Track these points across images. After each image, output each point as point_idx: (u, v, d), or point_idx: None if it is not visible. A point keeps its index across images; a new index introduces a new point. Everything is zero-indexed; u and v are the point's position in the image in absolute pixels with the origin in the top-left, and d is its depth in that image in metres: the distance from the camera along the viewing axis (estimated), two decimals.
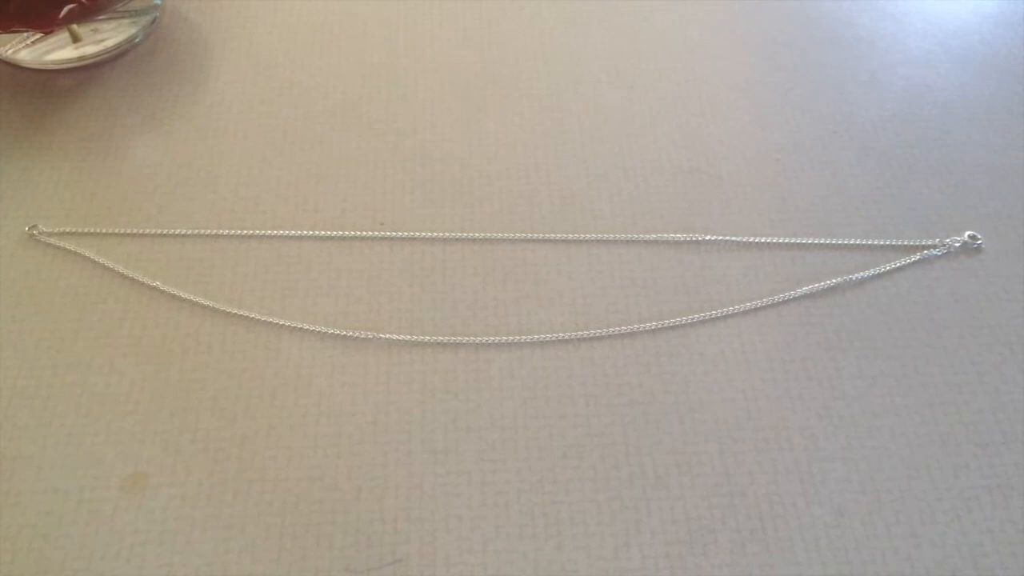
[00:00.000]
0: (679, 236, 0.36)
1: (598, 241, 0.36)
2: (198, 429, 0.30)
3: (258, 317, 0.33)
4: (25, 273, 0.35)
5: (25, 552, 0.28)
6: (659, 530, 0.28)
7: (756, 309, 0.34)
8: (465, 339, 0.33)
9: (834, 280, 0.34)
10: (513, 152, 0.39)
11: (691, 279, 0.35)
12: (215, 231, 0.36)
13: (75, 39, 0.42)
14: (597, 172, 0.38)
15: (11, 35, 0.41)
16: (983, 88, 0.42)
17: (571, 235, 0.36)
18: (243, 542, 0.28)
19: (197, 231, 0.36)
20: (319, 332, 0.33)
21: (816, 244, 0.36)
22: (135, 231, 0.36)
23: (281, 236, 0.36)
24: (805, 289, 0.34)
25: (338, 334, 0.33)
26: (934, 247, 0.36)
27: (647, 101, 0.41)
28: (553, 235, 0.36)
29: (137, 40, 0.43)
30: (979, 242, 0.36)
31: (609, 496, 0.29)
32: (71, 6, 0.39)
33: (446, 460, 0.30)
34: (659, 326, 0.33)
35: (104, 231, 0.36)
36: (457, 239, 0.36)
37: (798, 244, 0.36)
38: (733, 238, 0.36)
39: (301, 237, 0.36)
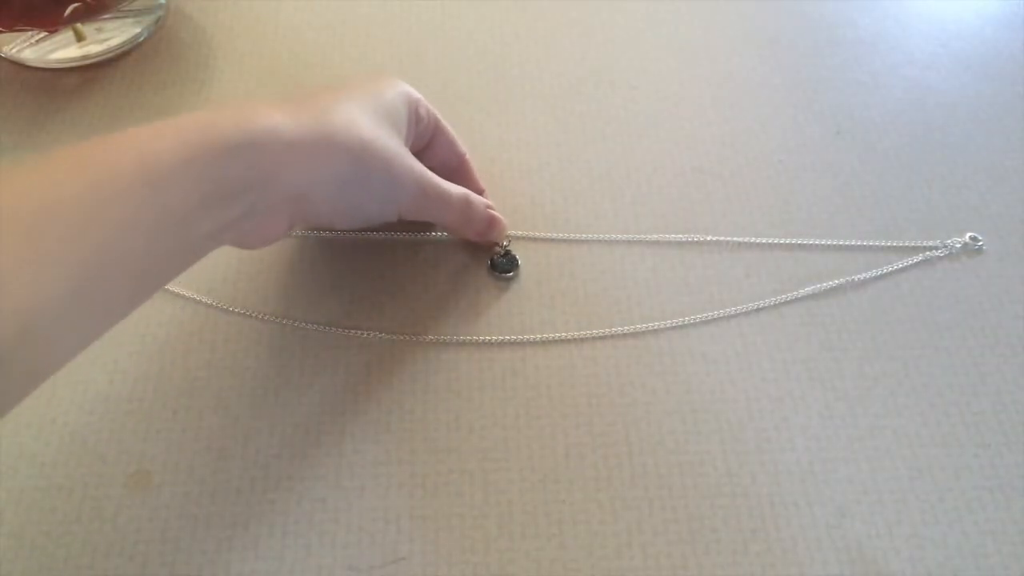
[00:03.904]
0: (681, 236, 0.36)
1: (601, 241, 0.36)
2: (201, 427, 0.30)
3: (261, 316, 0.33)
4: None
5: (29, 549, 0.28)
6: (661, 529, 0.28)
7: (758, 309, 0.34)
8: (468, 338, 0.33)
9: (836, 281, 0.35)
10: (516, 152, 0.39)
11: (693, 279, 0.35)
12: None
13: (79, 38, 0.42)
14: (600, 172, 0.38)
15: (15, 34, 0.41)
16: (985, 90, 0.42)
17: (574, 235, 0.36)
18: (246, 540, 0.28)
19: None
20: (322, 331, 0.33)
21: (818, 245, 0.36)
22: None
23: (284, 236, 0.36)
24: (807, 290, 0.34)
25: (342, 333, 0.33)
26: (936, 248, 0.36)
27: (649, 102, 0.41)
28: (556, 235, 0.36)
29: (141, 39, 0.43)
30: (980, 243, 0.36)
31: (611, 495, 0.29)
32: (76, 5, 0.39)
33: (448, 459, 0.30)
34: (661, 326, 0.33)
35: None
36: (460, 238, 0.36)
37: (800, 245, 0.36)
38: (735, 239, 0.36)
39: (304, 237, 0.36)
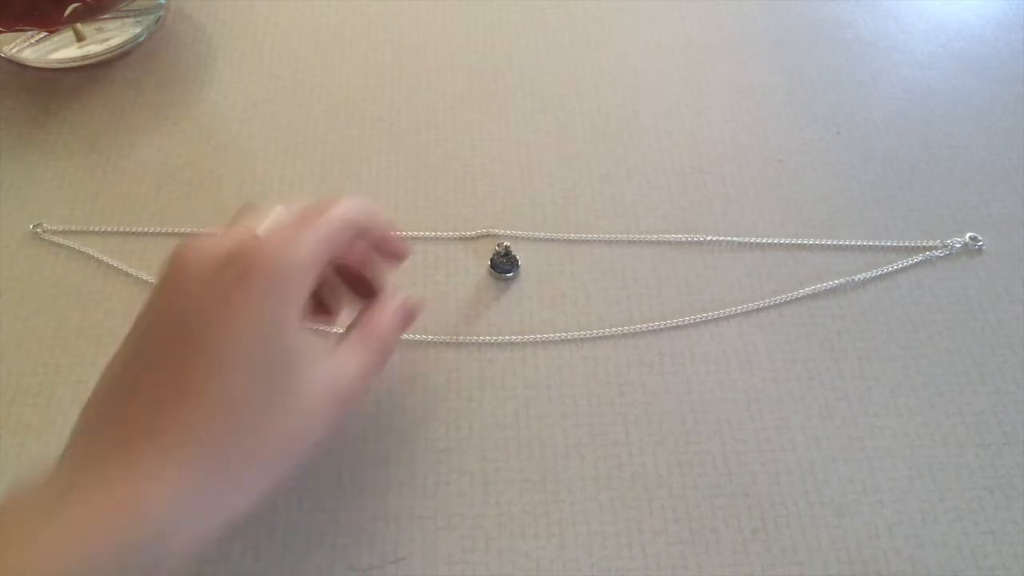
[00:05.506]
0: (681, 236, 0.36)
1: (601, 241, 0.36)
2: None
3: None
4: (29, 271, 0.35)
5: None
6: (661, 529, 0.28)
7: (758, 309, 0.34)
8: (468, 338, 0.33)
9: (836, 281, 0.35)
10: (515, 152, 0.39)
11: (693, 279, 0.35)
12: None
13: (79, 38, 0.42)
14: (600, 172, 0.38)
15: (16, 34, 0.41)
16: (985, 90, 0.42)
17: (574, 235, 0.36)
18: (246, 540, 0.28)
19: (201, 230, 0.36)
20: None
21: (818, 245, 0.36)
22: (139, 230, 0.36)
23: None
24: (807, 290, 0.34)
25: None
26: (936, 248, 0.36)
27: (650, 102, 0.41)
28: (556, 235, 0.36)
29: (141, 39, 0.43)
30: (980, 243, 0.36)
31: (611, 496, 0.29)
32: (76, 5, 0.39)
33: (448, 459, 0.30)
34: (662, 326, 0.33)
35: (108, 229, 0.36)
36: (460, 238, 0.36)
37: (800, 245, 0.36)
38: (735, 239, 0.36)
39: None
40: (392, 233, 0.29)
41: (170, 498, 0.20)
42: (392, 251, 0.29)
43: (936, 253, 0.36)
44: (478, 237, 0.36)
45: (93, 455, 0.21)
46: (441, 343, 0.33)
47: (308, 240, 0.24)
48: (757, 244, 0.36)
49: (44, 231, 0.36)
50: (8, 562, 0.19)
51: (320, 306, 0.29)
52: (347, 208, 0.26)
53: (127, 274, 0.35)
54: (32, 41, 0.41)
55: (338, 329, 0.33)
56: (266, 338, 0.22)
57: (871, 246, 0.36)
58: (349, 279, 0.29)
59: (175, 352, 0.22)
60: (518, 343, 0.33)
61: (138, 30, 0.43)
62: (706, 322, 0.33)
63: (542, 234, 0.36)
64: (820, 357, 0.33)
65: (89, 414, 0.23)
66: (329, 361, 0.25)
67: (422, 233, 0.36)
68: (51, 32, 0.41)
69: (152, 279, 0.34)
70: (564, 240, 0.36)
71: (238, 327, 0.22)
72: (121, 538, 0.20)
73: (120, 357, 0.23)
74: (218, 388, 0.22)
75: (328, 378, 0.24)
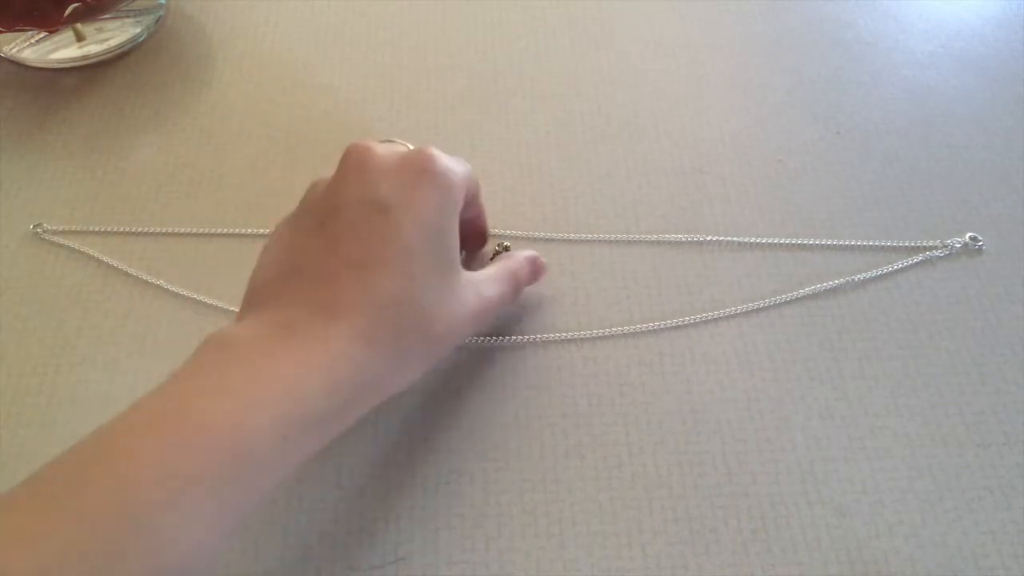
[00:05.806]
0: (681, 236, 0.36)
1: (601, 241, 0.36)
2: None
3: None
4: (30, 271, 0.35)
5: None
6: (661, 529, 0.28)
7: (758, 309, 0.34)
8: (468, 338, 0.33)
9: (836, 281, 0.35)
10: (515, 152, 0.39)
11: (693, 279, 0.35)
12: (219, 230, 0.36)
13: (79, 38, 0.42)
14: (600, 172, 0.38)
15: (15, 34, 0.41)
16: (985, 90, 0.42)
17: (574, 235, 0.36)
18: (246, 540, 0.28)
19: (201, 230, 0.36)
20: None
21: (818, 245, 0.36)
22: (139, 230, 0.36)
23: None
24: (807, 290, 0.34)
25: None
26: (936, 248, 0.36)
27: (650, 102, 0.41)
28: (556, 235, 0.36)
29: (141, 39, 0.43)
30: (980, 243, 0.36)
31: (611, 496, 0.29)
32: (75, 5, 0.39)
33: (449, 459, 0.30)
34: (661, 326, 0.33)
35: (108, 229, 0.36)
36: None
37: (800, 245, 0.36)
38: (735, 239, 0.36)
39: None
40: (483, 213, 0.33)
41: (360, 357, 0.23)
42: (480, 229, 0.33)
43: (936, 253, 0.36)
44: None
45: (290, 308, 0.24)
46: None
47: (463, 166, 0.28)
48: (757, 244, 0.36)
49: (44, 231, 0.36)
50: (239, 386, 0.21)
51: None
52: (470, 168, 0.29)
53: (127, 274, 0.35)
54: (32, 41, 0.41)
55: None
56: (440, 230, 0.25)
57: (871, 246, 0.36)
58: None
59: (371, 227, 0.25)
60: (518, 343, 0.33)
61: (138, 30, 0.43)
62: (706, 322, 0.33)
63: (542, 234, 0.36)
64: (820, 357, 0.33)
65: (272, 274, 0.26)
66: (474, 275, 0.28)
67: None
68: (51, 32, 0.41)
69: (152, 279, 0.34)
70: (564, 240, 0.36)
71: (420, 214, 0.25)
72: (326, 376, 0.23)
73: (298, 229, 0.26)
74: (404, 261, 0.24)
75: (475, 287, 0.28)
